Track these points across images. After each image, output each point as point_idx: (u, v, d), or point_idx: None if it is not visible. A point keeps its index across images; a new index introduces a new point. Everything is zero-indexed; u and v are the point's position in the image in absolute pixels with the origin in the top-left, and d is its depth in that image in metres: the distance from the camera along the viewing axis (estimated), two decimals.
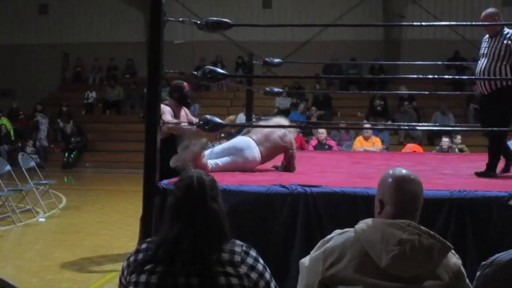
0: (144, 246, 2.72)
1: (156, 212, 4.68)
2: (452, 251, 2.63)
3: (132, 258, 2.70)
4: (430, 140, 18.00)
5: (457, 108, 19.75)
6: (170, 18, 5.01)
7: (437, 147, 13.82)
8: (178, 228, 2.63)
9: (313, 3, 23.15)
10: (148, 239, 2.80)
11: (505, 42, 6.06)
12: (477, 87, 6.66)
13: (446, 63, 19.44)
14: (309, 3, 23.18)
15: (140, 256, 2.67)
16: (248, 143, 6.22)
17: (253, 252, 2.70)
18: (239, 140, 6.32)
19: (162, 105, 6.95)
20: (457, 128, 15.86)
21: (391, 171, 2.74)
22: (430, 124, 16.17)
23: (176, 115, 6.99)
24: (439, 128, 15.51)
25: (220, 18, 5.24)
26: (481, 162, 7.81)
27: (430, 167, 7.35)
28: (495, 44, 6.11)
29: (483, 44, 6.31)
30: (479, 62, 6.26)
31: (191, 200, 2.68)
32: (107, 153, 21.03)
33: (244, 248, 2.68)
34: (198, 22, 5.20)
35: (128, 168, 18.55)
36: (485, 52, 6.20)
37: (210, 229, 2.64)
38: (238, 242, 2.71)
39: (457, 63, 20.19)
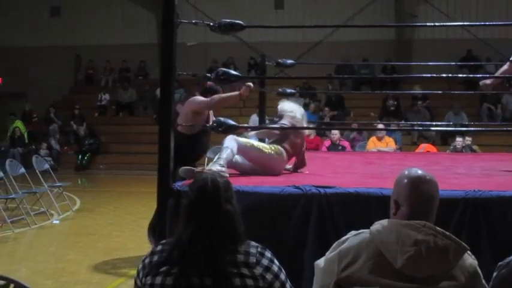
0: (159, 248, 2.73)
1: (170, 213, 4.68)
2: (468, 251, 2.62)
3: (147, 260, 2.71)
4: (444, 139, 17.92)
5: (470, 107, 19.67)
6: (183, 20, 5.01)
7: (451, 147, 13.77)
8: (191, 229, 2.64)
9: (324, 3, 23.14)
10: (163, 241, 2.81)
11: None
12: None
13: (459, 63, 19.39)
14: (320, 3, 23.17)
15: (155, 258, 2.68)
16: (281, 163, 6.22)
17: (268, 253, 2.70)
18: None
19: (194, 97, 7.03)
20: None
21: (406, 172, 2.73)
22: (444, 123, 16.11)
23: (204, 113, 7.13)
24: (458, 129, 15.43)
25: (232, 20, 5.24)
26: (494, 161, 7.81)
27: (443, 166, 7.32)
28: None
29: None
30: None
31: (204, 201, 2.68)
32: (119, 155, 21.09)
33: (259, 249, 2.68)
34: (211, 24, 5.20)
35: (140, 170, 18.61)
36: None
37: (224, 230, 2.64)
38: (253, 243, 2.70)
39: (471, 63, 20.16)
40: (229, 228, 2.66)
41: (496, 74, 7.19)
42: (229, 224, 2.67)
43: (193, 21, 5.26)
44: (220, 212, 2.66)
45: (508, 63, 6.76)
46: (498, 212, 4.51)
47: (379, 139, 13.60)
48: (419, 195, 2.62)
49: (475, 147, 13.94)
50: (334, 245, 2.69)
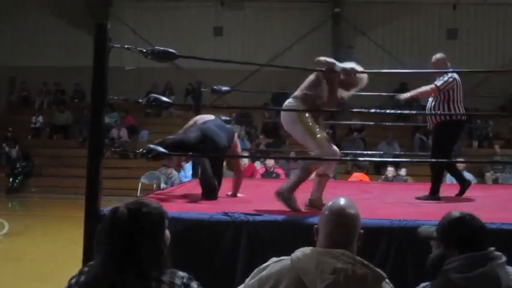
0: (86, 269, 2.71)
1: (97, 238, 4.62)
2: (387, 280, 2.67)
3: (73, 281, 2.69)
4: (377, 169, 18.20)
5: (403, 138, 20.06)
6: (115, 45, 4.99)
7: (383, 177, 14.01)
8: (102, 257, 2.62)
9: (263, 32, 23.38)
10: (91, 262, 2.78)
11: None
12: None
13: (392, 94, 19.71)
14: (259, 32, 23.40)
15: (82, 278, 2.66)
16: None
17: (194, 284, 2.67)
18: None
19: None
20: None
21: (330, 202, 2.78)
22: (376, 153, 16.35)
23: None
24: (389, 159, 15.70)
25: (166, 49, 5.23)
26: (424, 191, 7.97)
27: (374, 195, 7.43)
28: None
29: None
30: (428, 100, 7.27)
31: (111, 231, 2.64)
32: (53, 178, 20.70)
33: (185, 280, 2.64)
34: (144, 50, 5.19)
35: (74, 193, 18.27)
36: None
37: (138, 260, 2.59)
38: (179, 273, 2.66)
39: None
40: (146, 257, 2.60)
41: None
42: (144, 252, 2.60)
43: (126, 46, 5.23)
44: (129, 242, 2.60)
45: None
46: (423, 241, 4.60)
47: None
48: (335, 225, 2.67)
49: (406, 177, 14.20)
50: (255, 271, 2.71)
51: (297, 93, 5.79)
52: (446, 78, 6.94)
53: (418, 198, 6.94)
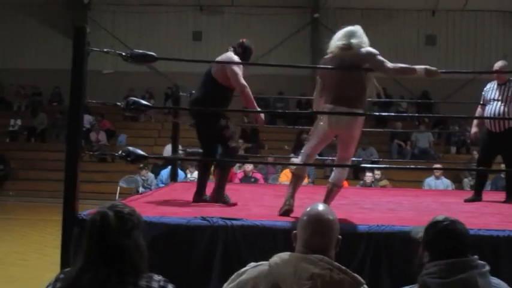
0: (61, 276, 2.69)
1: (74, 242, 4.60)
2: (365, 285, 2.67)
3: (50, 287, 2.67)
4: (355, 174, 18.23)
5: (380, 144, 20.10)
6: (94, 48, 4.98)
7: (361, 182, 14.05)
8: (81, 261, 2.61)
9: (242, 37, 23.28)
10: (67, 269, 2.76)
11: None
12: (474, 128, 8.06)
13: (371, 99, 19.84)
14: (238, 37, 23.23)
15: (58, 285, 2.64)
16: None
17: (170, 287, 2.67)
18: None
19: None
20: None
21: (308, 208, 2.79)
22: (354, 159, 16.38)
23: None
24: (367, 166, 15.73)
25: (145, 51, 5.22)
26: (401, 196, 8.02)
27: (351, 201, 7.48)
28: (505, 91, 7.39)
29: (491, 90, 7.57)
30: (491, 104, 7.48)
31: (93, 235, 2.63)
32: (30, 181, 20.51)
33: (161, 283, 2.64)
34: (124, 54, 5.17)
35: (51, 197, 18.14)
36: (495, 97, 7.45)
37: (117, 264, 2.58)
38: (156, 276, 2.66)
39: (382, 99, 20.64)
40: (125, 262, 2.59)
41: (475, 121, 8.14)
42: (126, 257, 2.60)
43: (105, 49, 5.21)
44: (109, 245, 2.59)
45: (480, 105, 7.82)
46: (399, 247, 4.62)
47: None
48: (313, 231, 2.67)
49: (384, 182, 14.23)
50: (233, 276, 2.71)
51: (352, 94, 5.70)
52: None
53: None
